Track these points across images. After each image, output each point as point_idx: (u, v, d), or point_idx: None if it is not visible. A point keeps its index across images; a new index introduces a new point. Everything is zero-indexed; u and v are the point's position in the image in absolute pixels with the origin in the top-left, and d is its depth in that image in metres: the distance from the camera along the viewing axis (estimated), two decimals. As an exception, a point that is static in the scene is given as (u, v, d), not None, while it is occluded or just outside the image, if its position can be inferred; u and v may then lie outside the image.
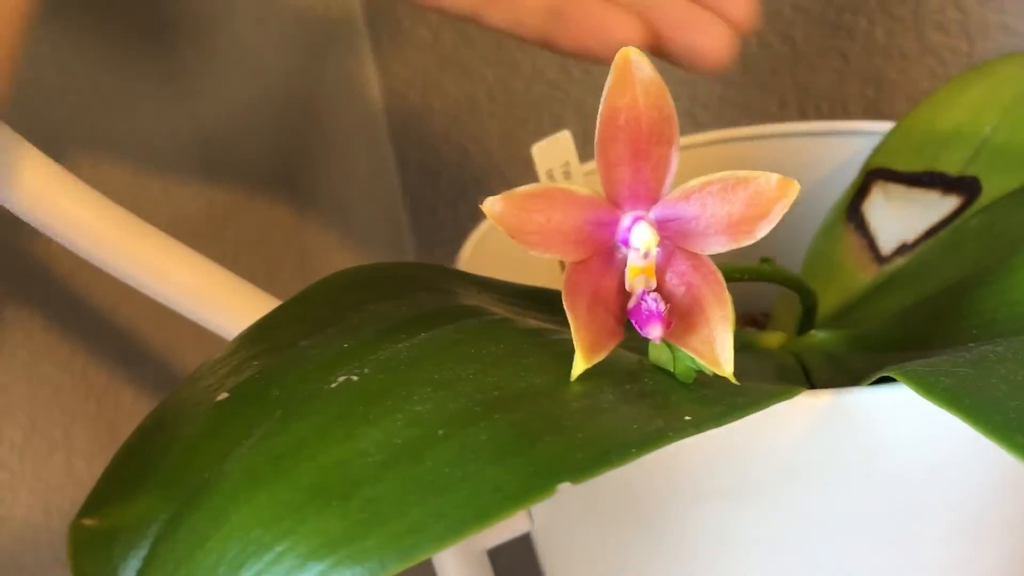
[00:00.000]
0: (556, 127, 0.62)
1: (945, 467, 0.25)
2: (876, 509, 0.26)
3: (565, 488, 0.18)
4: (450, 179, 0.66)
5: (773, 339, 0.34)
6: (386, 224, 0.67)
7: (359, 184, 0.64)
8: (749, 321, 0.44)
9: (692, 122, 0.57)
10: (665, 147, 0.22)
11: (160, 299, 0.29)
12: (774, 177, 0.22)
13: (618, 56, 0.21)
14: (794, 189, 0.22)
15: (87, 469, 0.41)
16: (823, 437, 0.25)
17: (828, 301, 0.38)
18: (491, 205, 0.21)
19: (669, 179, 0.22)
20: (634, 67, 0.21)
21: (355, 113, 0.63)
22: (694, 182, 0.22)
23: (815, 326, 0.34)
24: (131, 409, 0.43)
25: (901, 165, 0.39)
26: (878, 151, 0.40)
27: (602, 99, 0.22)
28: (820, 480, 0.26)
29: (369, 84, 0.64)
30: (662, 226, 0.22)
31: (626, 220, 0.22)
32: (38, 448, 0.38)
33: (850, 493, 0.26)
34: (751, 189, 0.22)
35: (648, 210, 0.22)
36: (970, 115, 0.39)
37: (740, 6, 0.32)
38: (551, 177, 0.42)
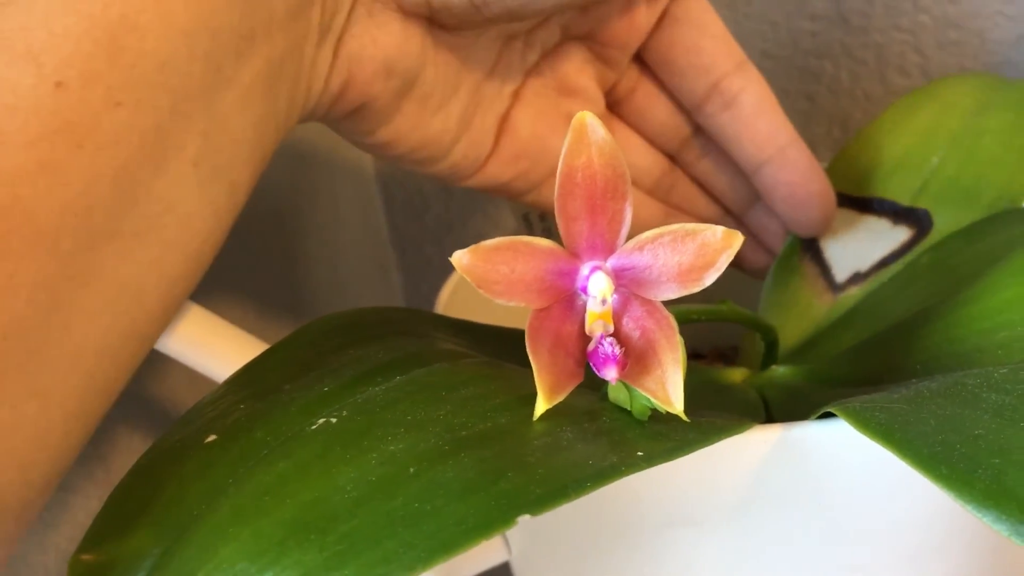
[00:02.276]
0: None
1: (888, 496, 0.27)
2: (827, 537, 0.28)
3: (539, 518, 0.20)
4: (436, 217, 0.68)
5: (737, 374, 0.36)
6: (373, 261, 0.69)
7: (346, 223, 0.66)
8: (719, 355, 0.45)
9: (667, 162, 0.59)
10: (619, 202, 0.24)
11: (156, 346, 0.31)
12: (720, 229, 0.23)
13: (575, 120, 0.23)
14: (738, 240, 0.23)
15: (83, 506, 0.42)
16: (775, 469, 0.27)
17: (789, 332, 0.40)
18: (459, 258, 0.23)
19: (624, 231, 0.24)
20: (590, 130, 0.23)
21: (342, 151, 0.65)
22: (647, 234, 0.24)
23: (778, 359, 0.36)
24: (125, 446, 0.45)
25: (851, 189, 0.40)
26: (827, 173, 0.41)
27: (560, 159, 0.23)
28: (774, 509, 0.28)
29: (356, 127, 0.66)
30: (618, 275, 0.24)
31: (584, 270, 0.24)
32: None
33: (802, 522, 0.27)
34: (699, 240, 0.24)
35: (605, 260, 0.24)
36: (917, 142, 0.40)
37: (777, 242, 0.41)
38: (527, 220, 0.44)
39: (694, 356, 0.47)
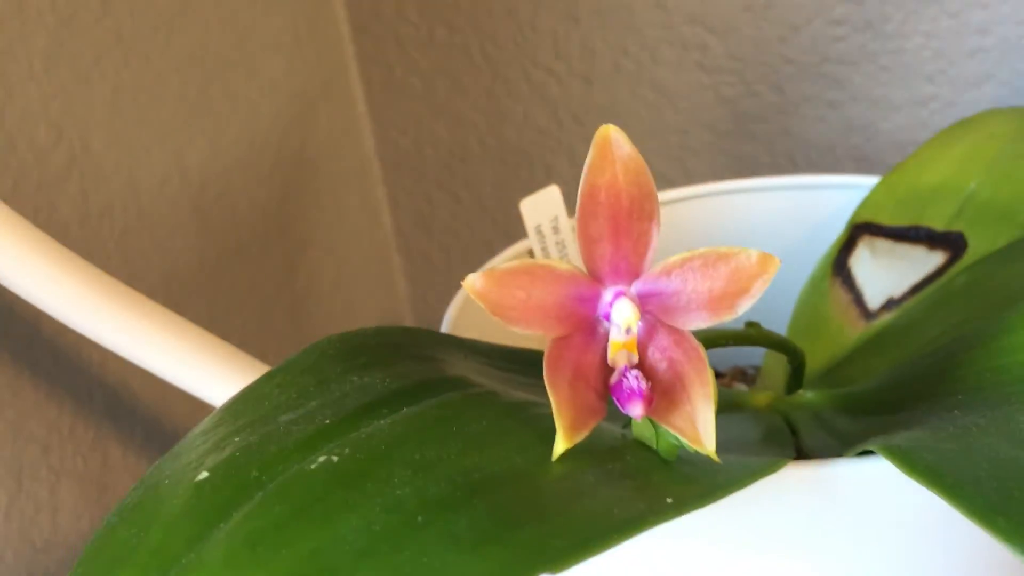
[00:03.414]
0: (548, 174, 0.62)
1: (931, 536, 0.25)
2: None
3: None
4: (443, 225, 0.66)
5: (761, 398, 0.34)
6: (379, 270, 0.68)
7: (352, 231, 0.64)
8: (739, 375, 0.44)
9: (682, 169, 0.58)
10: (646, 223, 0.22)
11: (147, 368, 0.29)
12: (754, 253, 0.22)
13: (598, 134, 0.22)
14: (774, 265, 0.22)
15: (74, 527, 0.40)
16: (810, 508, 0.25)
17: (817, 357, 0.38)
18: (472, 282, 0.21)
19: (650, 254, 0.22)
20: (614, 145, 0.22)
21: (348, 161, 0.64)
22: (675, 258, 0.22)
23: (804, 384, 0.34)
24: (119, 465, 0.43)
25: (887, 219, 0.39)
26: (864, 205, 0.40)
27: (582, 177, 0.22)
28: (810, 549, 0.26)
29: (362, 132, 0.65)
30: (644, 301, 0.22)
31: (607, 295, 0.22)
32: (24, 508, 0.38)
33: (840, 561, 0.26)
34: (732, 265, 0.22)
35: (630, 285, 0.22)
36: (955, 170, 0.39)
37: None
38: (539, 232, 0.42)
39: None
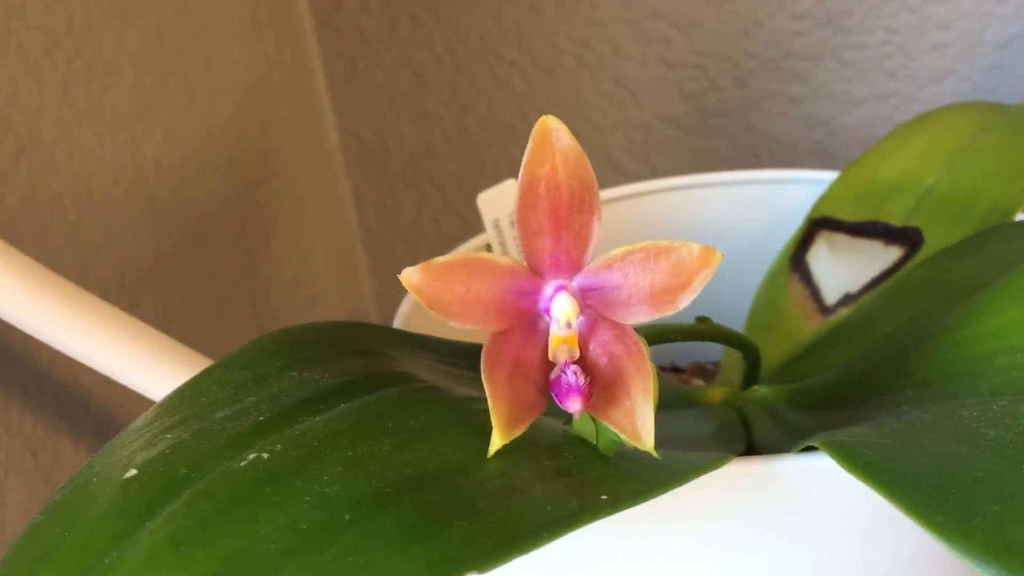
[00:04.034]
0: (512, 168, 0.62)
1: (876, 532, 0.25)
2: (816, 572, 0.26)
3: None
4: (408, 220, 0.65)
5: (716, 394, 0.34)
6: (343, 265, 0.67)
7: (315, 225, 0.63)
8: (698, 371, 0.43)
9: (646, 163, 0.57)
10: (586, 215, 0.22)
11: (94, 366, 0.29)
12: (696, 247, 0.21)
13: (537, 125, 0.21)
14: (716, 259, 0.21)
15: (22, 524, 0.40)
16: (756, 504, 0.25)
17: (774, 351, 0.38)
18: (409, 276, 0.21)
19: (591, 248, 0.22)
20: (553, 136, 0.21)
21: (311, 154, 0.63)
22: (616, 251, 0.22)
23: (760, 378, 0.34)
24: (71, 461, 0.42)
25: (845, 214, 0.39)
26: (822, 200, 0.40)
27: (521, 169, 0.21)
28: (758, 544, 0.25)
29: (325, 125, 0.64)
30: (585, 295, 0.22)
31: (548, 289, 0.22)
32: (-31, 506, 0.37)
33: (788, 557, 0.25)
34: (673, 259, 0.21)
35: (570, 279, 0.22)
36: (914, 165, 0.39)
37: None
38: (497, 227, 0.42)
39: (673, 370, 0.45)
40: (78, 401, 0.43)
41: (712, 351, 0.44)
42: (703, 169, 0.55)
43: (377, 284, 0.68)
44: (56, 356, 0.41)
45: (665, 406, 0.31)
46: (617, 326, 0.22)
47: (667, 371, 0.45)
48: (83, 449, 0.43)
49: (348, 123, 0.63)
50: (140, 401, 0.46)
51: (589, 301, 0.22)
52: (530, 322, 0.22)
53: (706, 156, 0.56)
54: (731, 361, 0.39)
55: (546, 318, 0.22)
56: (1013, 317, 0.26)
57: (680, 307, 0.22)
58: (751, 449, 0.30)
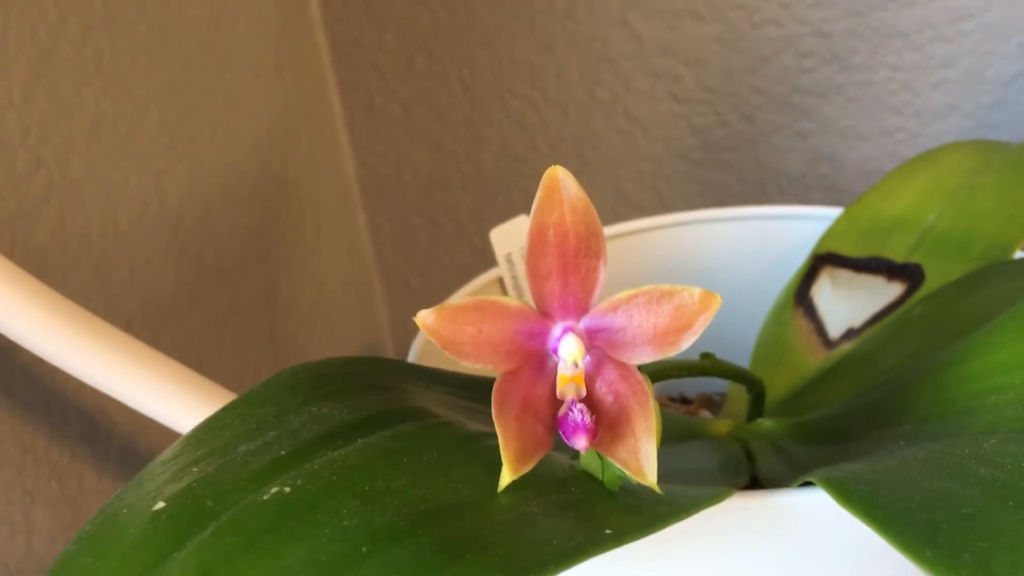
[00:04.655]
0: (525, 201, 0.63)
1: (873, 568, 0.26)
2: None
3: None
4: (422, 250, 0.67)
5: (722, 426, 0.35)
6: (359, 295, 0.68)
7: (332, 256, 0.65)
8: (706, 403, 0.44)
9: (656, 195, 0.58)
10: (593, 260, 0.23)
11: (118, 398, 0.30)
12: (697, 291, 0.22)
13: (546, 175, 0.22)
14: (716, 303, 0.22)
15: (48, 550, 0.41)
16: (756, 537, 0.25)
17: (779, 384, 0.39)
18: (424, 319, 0.22)
19: (598, 291, 0.23)
20: (561, 186, 0.22)
21: (328, 187, 0.64)
22: (621, 294, 0.23)
23: (765, 410, 0.35)
24: (94, 489, 0.44)
25: (848, 250, 0.40)
26: (826, 236, 0.41)
27: (530, 216, 0.22)
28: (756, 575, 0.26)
29: (342, 158, 0.66)
30: (591, 336, 0.23)
31: (556, 330, 0.23)
32: (-3, 532, 0.38)
33: (784, 591, 0.26)
34: (675, 302, 0.23)
35: (578, 321, 0.23)
36: (915, 202, 0.40)
37: None
38: (510, 260, 0.43)
39: (681, 400, 0.46)
40: (102, 430, 0.44)
41: (720, 382, 0.45)
42: (712, 201, 0.56)
43: (392, 313, 0.69)
44: (81, 386, 0.42)
45: (672, 438, 0.32)
46: (622, 366, 0.23)
47: (675, 402, 0.46)
48: (107, 477, 0.44)
49: (365, 156, 0.65)
50: (162, 431, 0.47)
51: (595, 342, 0.23)
52: (539, 362, 0.23)
53: (714, 189, 0.57)
54: (737, 393, 0.40)
55: (554, 357, 0.23)
56: (1005, 356, 0.26)
57: (683, 348, 0.23)
58: (755, 481, 0.31)
